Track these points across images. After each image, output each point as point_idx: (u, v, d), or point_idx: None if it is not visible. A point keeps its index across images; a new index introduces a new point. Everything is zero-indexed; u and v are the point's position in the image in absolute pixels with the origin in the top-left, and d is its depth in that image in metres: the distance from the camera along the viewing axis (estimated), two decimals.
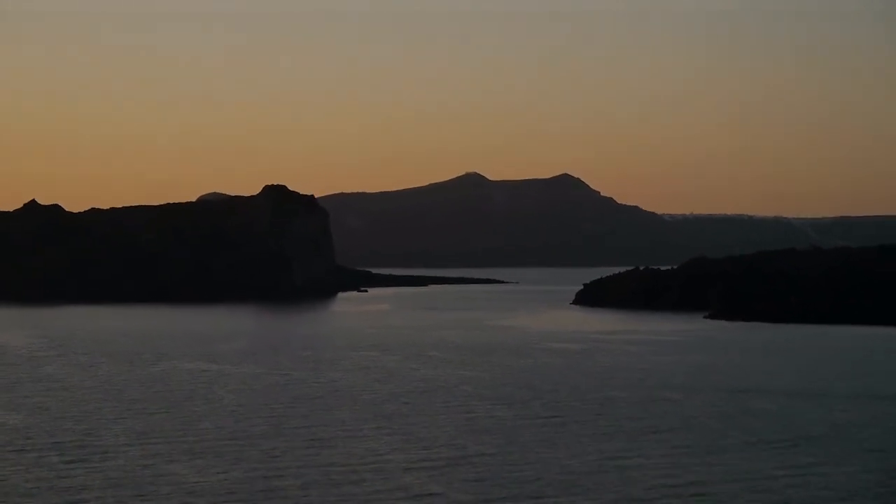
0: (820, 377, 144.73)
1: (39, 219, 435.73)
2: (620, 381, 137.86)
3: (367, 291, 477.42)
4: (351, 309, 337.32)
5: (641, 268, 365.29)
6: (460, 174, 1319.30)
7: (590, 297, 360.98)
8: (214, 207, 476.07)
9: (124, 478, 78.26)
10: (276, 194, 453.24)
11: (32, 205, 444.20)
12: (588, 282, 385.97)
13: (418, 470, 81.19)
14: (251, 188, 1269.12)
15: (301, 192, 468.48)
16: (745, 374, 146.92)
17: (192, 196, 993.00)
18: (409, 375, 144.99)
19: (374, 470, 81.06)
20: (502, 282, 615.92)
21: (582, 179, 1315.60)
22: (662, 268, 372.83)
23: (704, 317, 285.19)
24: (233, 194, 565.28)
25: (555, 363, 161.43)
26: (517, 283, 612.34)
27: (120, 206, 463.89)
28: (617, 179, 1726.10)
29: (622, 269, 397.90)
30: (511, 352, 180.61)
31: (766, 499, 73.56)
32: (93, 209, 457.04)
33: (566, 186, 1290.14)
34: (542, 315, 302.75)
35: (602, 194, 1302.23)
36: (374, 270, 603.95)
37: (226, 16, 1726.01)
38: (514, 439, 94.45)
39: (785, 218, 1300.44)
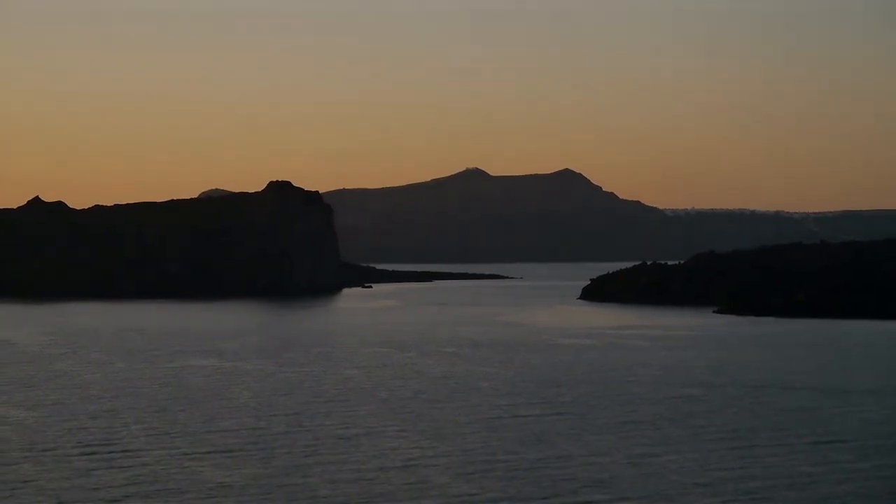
0: (840, 373, 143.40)
1: (43, 215, 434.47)
2: (640, 377, 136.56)
3: (371, 287, 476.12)
4: (358, 305, 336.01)
5: (649, 263, 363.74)
6: (461, 170, 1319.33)
7: (596, 292, 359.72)
8: (219, 204, 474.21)
9: (150, 477, 76.78)
10: (280, 190, 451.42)
11: (36, 201, 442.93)
12: (590, 277, 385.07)
13: (449, 469, 79.76)
14: (251, 184, 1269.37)
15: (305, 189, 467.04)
16: (765, 370, 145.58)
17: (193, 193, 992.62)
18: (426, 372, 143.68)
19: (405, 469, 79.59)
20: (507, 277, 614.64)
21: (583, 175, 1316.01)
22: (667, 262, 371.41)
23: (714, 311, 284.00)
24: (233, 190, 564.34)
25: (572, 359, 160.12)
26: (521, 278, 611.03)
27: (123, 202, 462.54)
28: (618, 174, 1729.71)
29: (624, 264, 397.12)
30: (526, 348, 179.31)
31: (805, 497, 72.12)
32: (96, 206, 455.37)
33: (567, 182, 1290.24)
34: (551, 310, 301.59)
35: (603, 189, 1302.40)
36: (377, 266, 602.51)
37: (229, 14, 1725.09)
38: (542, 437, 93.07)
39: (786, 212, 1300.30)
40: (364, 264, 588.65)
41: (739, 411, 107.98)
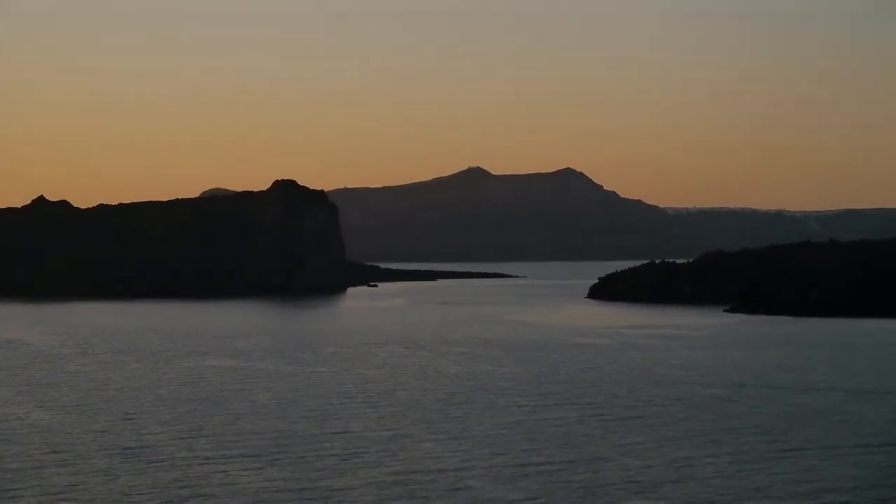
0: (864, 373, 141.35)
1: (47, 215, 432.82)
2: (662, 378, 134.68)
3: (376, 286, 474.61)
4: (365, 304, 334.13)
5: (657, 261, 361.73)
6: (463, 169, 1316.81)
7: (604, 291, 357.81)
8: (225, 203, 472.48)
9: (182, 483, 74.79)
10: (286, 189, 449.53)
11: (40, 201, 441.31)
12: (593, 275, 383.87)
13: (485, 473, 77.78)
14: (251, 184, 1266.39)
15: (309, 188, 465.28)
16: (789, 370, 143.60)
17: (193, 192, 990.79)
18: (444, 372, 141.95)
19: (442, 472, 77.58)
20: (510, 276, 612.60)
21: (585, 173, 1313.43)
22: (669, 261, 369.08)
23: (724, 310, 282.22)
24: (234, 190, 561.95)
25: (590, 359, 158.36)
26: (525, 277, 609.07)
27: (128, 201, 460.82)
28: (620, 173, 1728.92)
29: (626, 263, 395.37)
30: (542, 348, 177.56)
31: (853, 502, 70.33)
32: (101, 205, 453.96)
33: (569, 180, 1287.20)
34: (560, 310, 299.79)
35: (605, 188, 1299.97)
36: (381, 265, 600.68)
37: (229, 14, 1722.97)
38: (573, 439, 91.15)
39: (788, 211, 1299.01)
40: (369, 263, 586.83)
41: (771, 413, 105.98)
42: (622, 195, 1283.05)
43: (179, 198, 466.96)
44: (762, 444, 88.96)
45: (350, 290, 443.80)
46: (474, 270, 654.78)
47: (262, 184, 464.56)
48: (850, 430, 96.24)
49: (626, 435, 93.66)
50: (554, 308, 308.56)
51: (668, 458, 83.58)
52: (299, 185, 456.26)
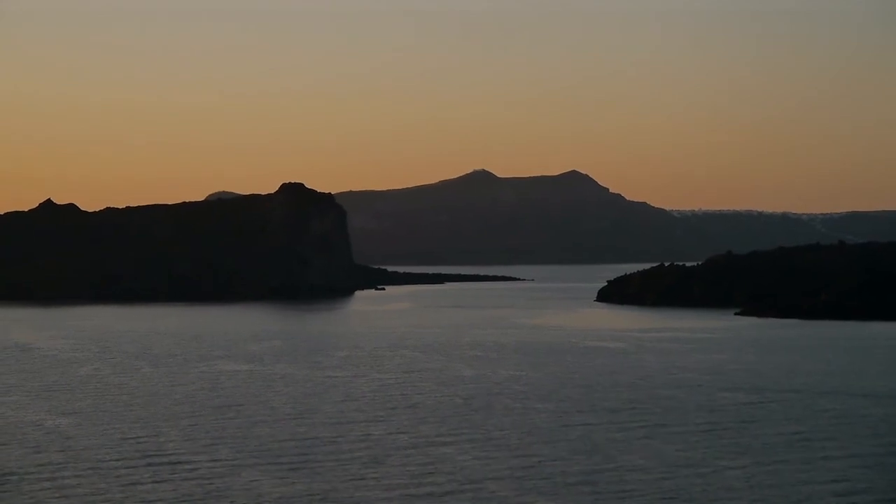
0: (884, 376, 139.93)
1: (55, 218, 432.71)
2: (680, 382, 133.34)
3: (384, 290, 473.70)
4: (373, 308, 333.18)
5: (666, 264, 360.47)
6: (468, 171, 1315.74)
7: (613, 293, 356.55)
8: (231, 205, 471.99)
9: (203, 491, 73.80)
10: (293, 192, 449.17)
11: (48, 204, 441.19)
12: (600, 278, 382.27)
13: (513, 482, 76.63)
14: (257, 187, 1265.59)
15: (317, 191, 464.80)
16: (807, 374, 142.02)
17: (201, 195, 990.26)
18: (460, 377, 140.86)
19: (470, 482, 76.42)
20: (517, 279, 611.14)
21: (590, 176, 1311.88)
22: (678, 263, 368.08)
23: (735, 313, 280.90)
24: (241, 192, 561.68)
25: (605, 363, 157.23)
26: (533, 280, 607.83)
27: (135, 204, 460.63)
28: (625, 176, 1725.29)
29: (632, 266, 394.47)
30: (556, 351, 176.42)
31: None
32: (108, 208, 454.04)
33: (575, 183, 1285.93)
34: (570, 313, 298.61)
35: (611, 191, 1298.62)
36: (388, 268, 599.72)
37: (234, 16, 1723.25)
38: (596, 446, 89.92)
39: (793, 213, 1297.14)
40: (376, 266, 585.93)
41: (795, 418, 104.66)
42: (628, 197, 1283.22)
43: (186, 200, 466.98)
44: (789, 452, 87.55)
45: (357, 293, 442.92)
46: (481, 273, 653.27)
47: (269, 186, 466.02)
48: (878, 436, 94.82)
49: (649, 441, 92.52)
50: (564, 311, 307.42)
51: (694, 465, 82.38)
52: (306, 188, 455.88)
